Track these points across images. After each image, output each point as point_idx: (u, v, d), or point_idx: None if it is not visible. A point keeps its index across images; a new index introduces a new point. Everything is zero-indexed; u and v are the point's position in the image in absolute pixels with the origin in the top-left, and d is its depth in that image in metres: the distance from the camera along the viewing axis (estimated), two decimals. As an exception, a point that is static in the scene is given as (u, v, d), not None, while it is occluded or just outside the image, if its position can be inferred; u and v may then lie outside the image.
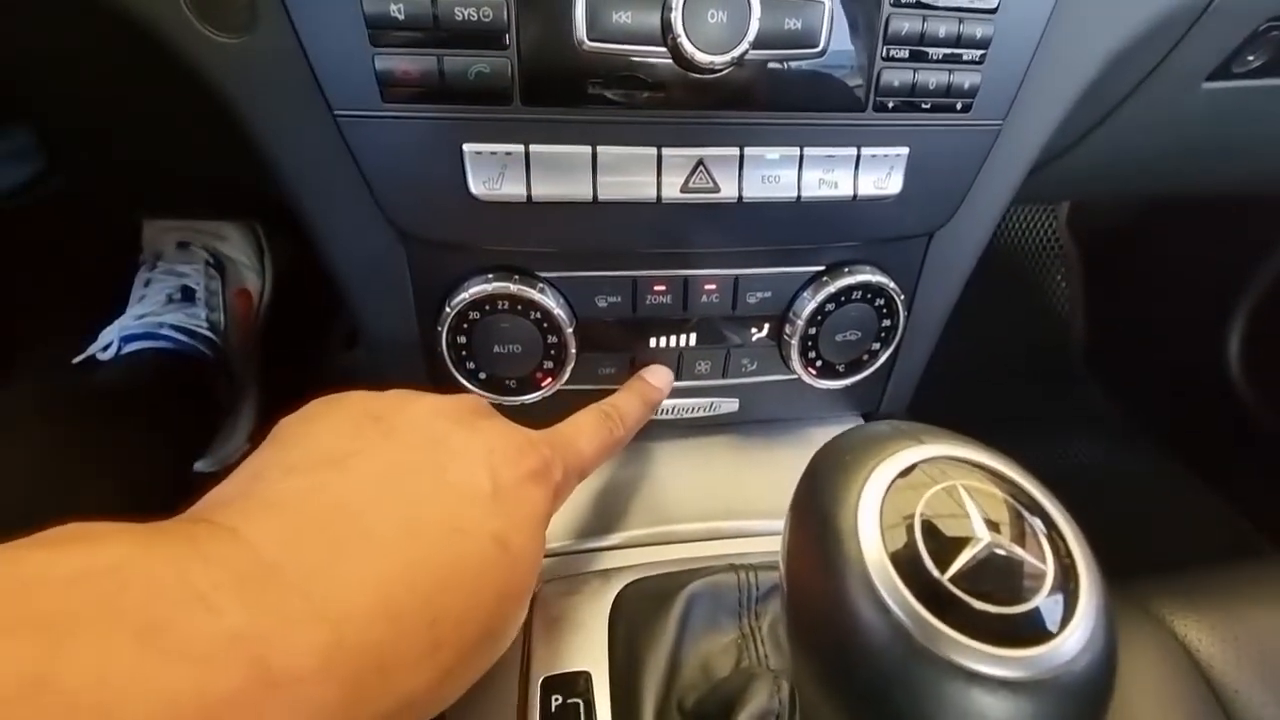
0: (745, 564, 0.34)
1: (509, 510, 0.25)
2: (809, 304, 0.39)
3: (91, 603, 0.16)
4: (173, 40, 0.30)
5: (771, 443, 0.47)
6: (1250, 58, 0.45)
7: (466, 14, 0.29)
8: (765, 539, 0.39)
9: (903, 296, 0.40)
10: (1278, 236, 0.90)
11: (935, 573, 0.13)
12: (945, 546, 0.14)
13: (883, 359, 0.42)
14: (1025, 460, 0.17)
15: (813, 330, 0.40)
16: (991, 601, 0.13)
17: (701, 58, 0.30)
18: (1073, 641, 0.13)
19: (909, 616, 0.13)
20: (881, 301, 0.40)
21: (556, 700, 0.29)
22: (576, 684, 0.30)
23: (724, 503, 0.42)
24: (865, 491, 0.14)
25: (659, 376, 0.40)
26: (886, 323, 0.41)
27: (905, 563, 0.13)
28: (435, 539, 0.23)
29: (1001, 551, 0.14)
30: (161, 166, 0.46)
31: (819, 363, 0.41)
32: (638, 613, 0.33)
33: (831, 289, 0.39)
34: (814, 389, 0.43)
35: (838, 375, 0.42)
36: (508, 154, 0.32)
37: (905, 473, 0.15)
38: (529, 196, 0.33)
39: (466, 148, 0.32)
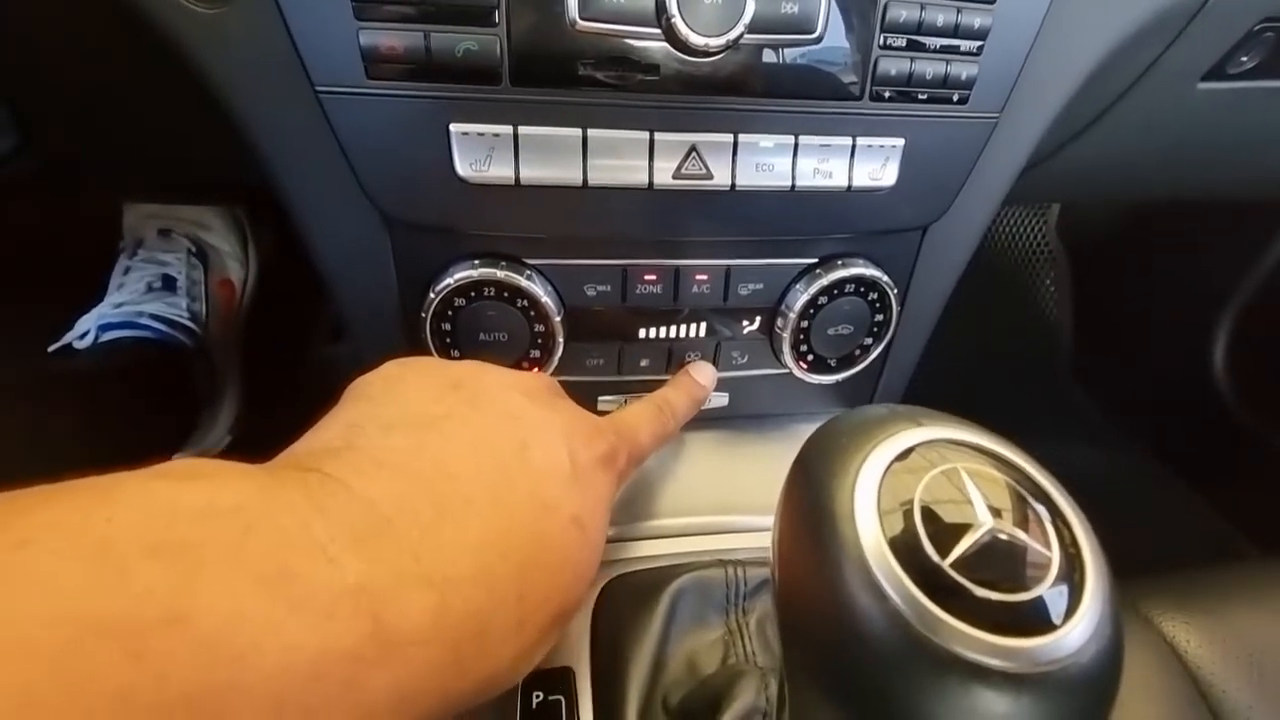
0: (733, 559, 0.34)
1: (585, 492, 0.25)
2: (801, 296, 0.38)
3: (220, 541, 0.16)
4: (148, 10, 0.29)
5: (760, 438, 0.46)
6: (1244, 58, 0.45)
7: (455, -12, 0.28)
8: (753, 535, 0.39)
9: (896, 291, 0.40)
10: (1264, 243, 0.90)
11: (936, 558, 0.13)
12: (945, 532, 0.13)
13: (875, 354, 0.42)
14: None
15: (805, 323, 0.39)
16: (994, 589, 0.12)
17: (696, 40, 0.30)
18: (1078, 633, 0.12)
19: (907, 604, 0.12)
20: (875, 296, 0.40)
21: (537, 697, 0.29)
22: (558, 680, 0.29)
23: (711, 498, 0.41)
24: (861, 475, 0.14)
25: (704, 374, 0.40)
26: (879, 317, 0.40)
27: (904, 548, 0.13)
28: (524, 512, 0.22)
29: (1004, 537, 0.13)
30: (140, 147, 0.45)
31: (810, 357, 0.41)
32: (622, 607, 0.32)
33: (824, 282, 0.38)
34: (805, 384, 0.42)
35: (829, 370, 0.42)
36: (496, 135, 0.31)
37: (903, 456, 0.14)
38: (517, 179, 0.32)
39: (453, 128, 0.31)
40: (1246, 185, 0.59)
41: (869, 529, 0.13)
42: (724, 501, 0.41)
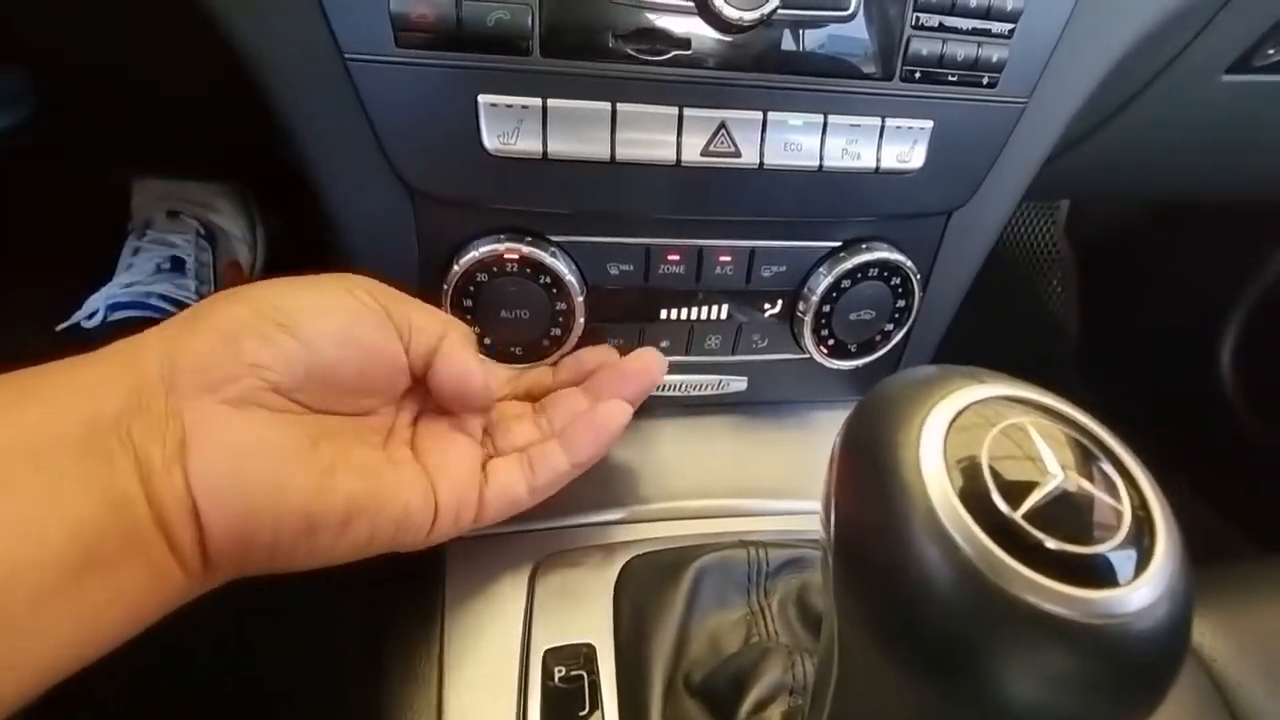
0: (755, 541, 0.34)
1: None
2: (824, 280, 0.38)
3: None
4: (176, -29, 0.29)
5: (777, 424, 0.46)
6: (1271, 51, 0.45)
7: (488, -44, 0.28)
8: (772, 518, 0.39)
9: (919, 276, 0.39)
10: (1272, 246, 0.90)
11: (1007, 510, 0.12)
12: (1014, 486, 0.13)
13: (896, 339, 0.41)
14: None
15: (827, 307, 0.39)
16: (1067, 542, 0.12)
17: (730, 13, 0.29)
18: (1151, 587, 0.12)
19: (979, 554, 0.12)
20: (897, 281, 0.39)
21: (560, 671, 0.28)
22: (580, 656, 0.29)
23: (729, 482, 0.41)
24: (926, 428, 0.14)
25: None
26: (901, 303, 0.40)
27: (973, 500, 0.13)
28: None
29: (1075, 491, 0.13)
30: (157, 115, 0.45)
31: (831, 341, 0.40)
32: (644, 586, 0.32)
33: (847, 265, 0.38)
34: (824, 369, 0.42)
35: (849, 355, 0.41)
36: (524, 107, 0.31)
37: (965, 411, 0.14)
38: (545, 153, 0.32)
39: (482, 99, 0.31)
40: (1266, 183, 0.59)
41: (937, 481, 0.13)
42: (742, 485, 0.40)
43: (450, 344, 0.30)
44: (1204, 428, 1.00)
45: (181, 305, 0.75)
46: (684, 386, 0.42)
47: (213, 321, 0.24)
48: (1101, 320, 1.14)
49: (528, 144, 0.32)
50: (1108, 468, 0.14)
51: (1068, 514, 0.13)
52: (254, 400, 0.23)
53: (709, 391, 0.43)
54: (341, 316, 0.26)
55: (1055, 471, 0.13)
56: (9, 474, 0.19)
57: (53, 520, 0.19)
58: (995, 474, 0.13)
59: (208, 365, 0.23)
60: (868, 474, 0.14)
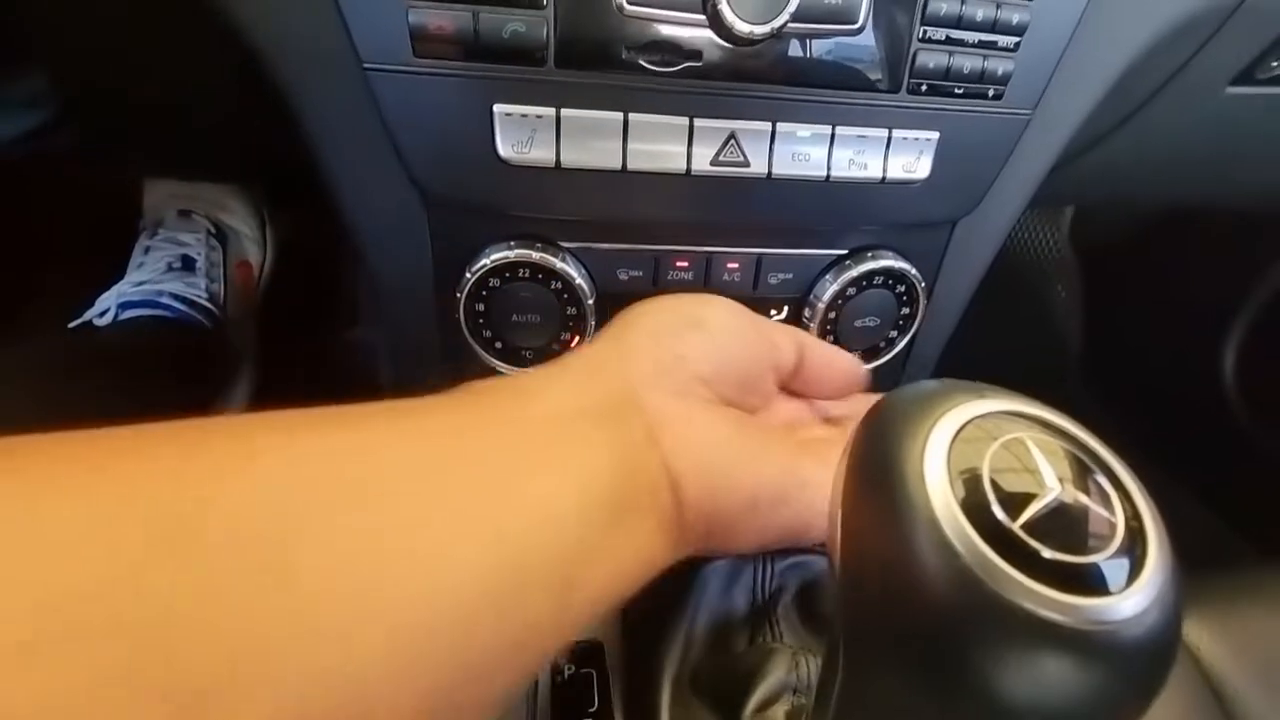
0: (759, 543, 0.34)
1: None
2: (830, 287, 0.39)
3: None
4: (200, -18, 0.29)
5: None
6: (1275, 64, 0.45)
7: (505, -30, 0.29)
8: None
9: (923, 284, 0.40)
10: (1272, 256, 0.91)
11: (1006, 521, 0.13)
12: (1013, 498, 0.13)
13: (900, 346, 0.42)
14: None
15: (832, 314, 0.40)
16: (1063, 552, 0.13)
17: (741, 27, 0.30)
18: (1142, 596, 0.13)
19: (978, 562, 0.13)
20: (902, 288, 0.40)
21: (569, 670, 0.29)
22: (587, 655, 0.30)
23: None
24: (930, 441, 0.14)
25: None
26: (906, 310, 0.41)
27: (974, 510, 0.13)
28: None
29: (1071, 502, 0.13)
30: (173, 118, 0.45)
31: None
32: (651, 585, 0.32)
33: (854, 273, 0.39)
34: (829, 375, 0.42)
35: (854, 362, 0.42)
36: (538, 117, 0.32)
37: (968, 425, 0.15)
38: (558, 162, 0.32)
39: (497, 109, 0.31)
40: (1268, 193, 0.59)
41: (940, 493, 0.13)
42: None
43: (809, 340, 0.33)
44: (1207, 434, 1.00)
45: (192, 304, 0.76)
46: (691, 390, 0.43)
47: (641, 327, 0.28)
48: (1105, 327, 1.14)
49: (541, 153, 0.32)
50: (1103, 480, 0.14)
51: (1064, 525, 0.13)
52: (690, 391, 0.27)
53: (715, 396, 0.43)
54: (734, 319, 0.30)
55: (1053, 484, 0.14)
56: (549, 435, 0.23)
57: (589, 469, 0.22)
58: (996, 486, 0.14)
59: (654, 359, 0.27)
60: (873, 486, 0.15)
